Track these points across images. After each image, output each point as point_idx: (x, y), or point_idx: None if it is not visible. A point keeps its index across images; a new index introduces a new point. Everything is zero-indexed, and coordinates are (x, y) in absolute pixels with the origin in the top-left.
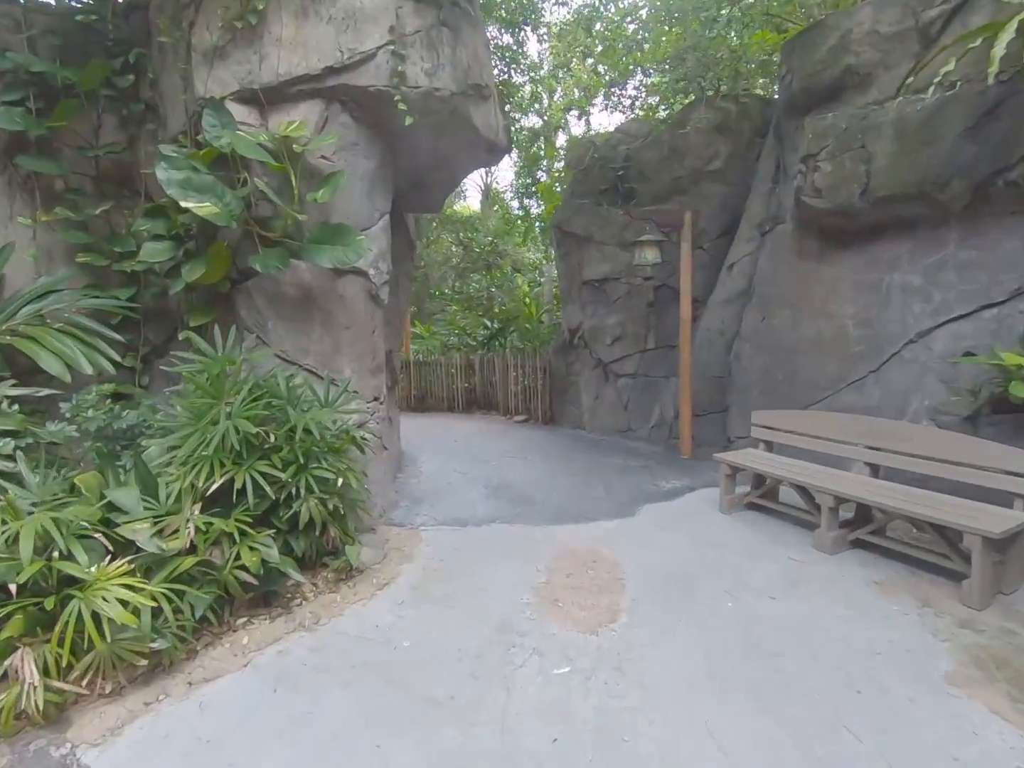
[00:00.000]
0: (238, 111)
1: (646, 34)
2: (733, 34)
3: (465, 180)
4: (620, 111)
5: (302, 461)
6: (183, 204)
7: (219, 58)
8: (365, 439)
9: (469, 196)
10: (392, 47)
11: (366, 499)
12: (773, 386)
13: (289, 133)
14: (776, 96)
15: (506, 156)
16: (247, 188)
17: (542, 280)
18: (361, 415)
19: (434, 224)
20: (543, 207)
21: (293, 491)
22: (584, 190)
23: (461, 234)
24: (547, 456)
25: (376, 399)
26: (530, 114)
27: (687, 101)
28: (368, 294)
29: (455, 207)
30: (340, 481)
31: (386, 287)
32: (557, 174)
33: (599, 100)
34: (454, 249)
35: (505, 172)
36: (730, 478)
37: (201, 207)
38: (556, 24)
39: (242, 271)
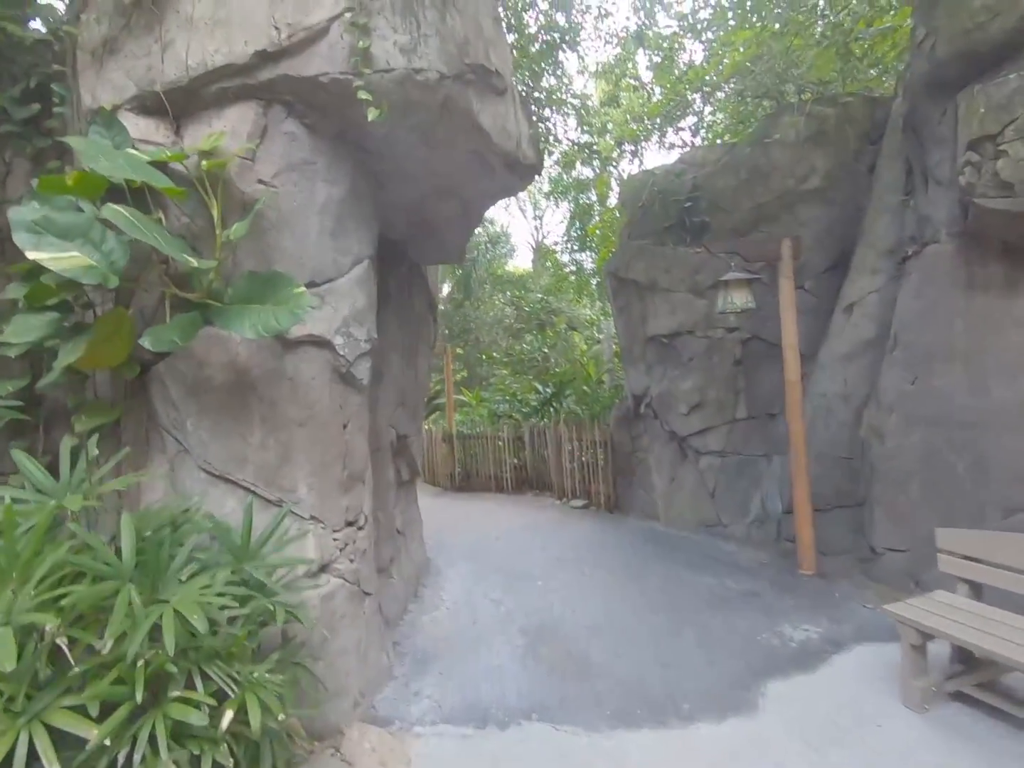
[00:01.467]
0: (141, 125)
1: (709, 41)
2: (825, 22)
3: (516, 238)
4: (679, 147)
5: (140, 699)
6: (31, 255)
7: (109, 53)
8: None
9: (520, 255)
10: (350, 15)
11: (317, 693)
12: (947, 479)
13: (204, 147)
14: (887, 92)
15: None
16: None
17: (600, 337)
18: (316, 560)
19: (486, 286)
20: (597, 257)
21: (120, 759)
22: (643, 230)
23: (509, 292)
24: (611, 568)
25: (352, 524)
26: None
27: (764, 113)
28: (335, 373)
29: (506, 267)
30: (226, 720)
31: (366, 363)
32: (610, 212)
33: (653, 140)
34: (506, 310)
35: (558, 226)
36: (918, 650)
37: (59, 259)
38: (599, 64)
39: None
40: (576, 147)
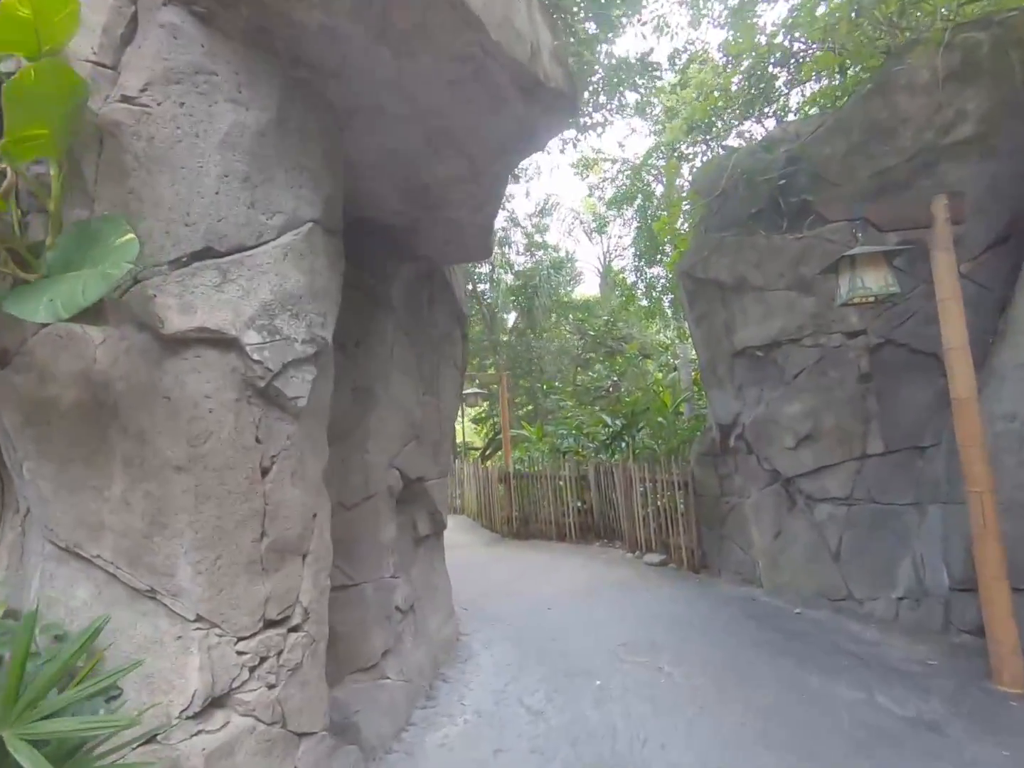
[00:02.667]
0: None
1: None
2: None
3: (581, 264)
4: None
5: None
6: None
7: None
8: None
9: (587, 282)
10: None
11: None
12: None
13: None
14: None
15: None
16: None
17: (676, 363)
18: (198, 693)
19: (553, 316)
20: (668, 262)
21: None
22: (724, 220)
23: (572, 317)
24: (701, 664)
25: (277, 623)
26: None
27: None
28: (245, 389)
29: (572, 295)
30: None
31: (306, 374)
32: (677, 206)
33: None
34: (571, 339)
35: (626, 251)
36: None
37: None
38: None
39: None
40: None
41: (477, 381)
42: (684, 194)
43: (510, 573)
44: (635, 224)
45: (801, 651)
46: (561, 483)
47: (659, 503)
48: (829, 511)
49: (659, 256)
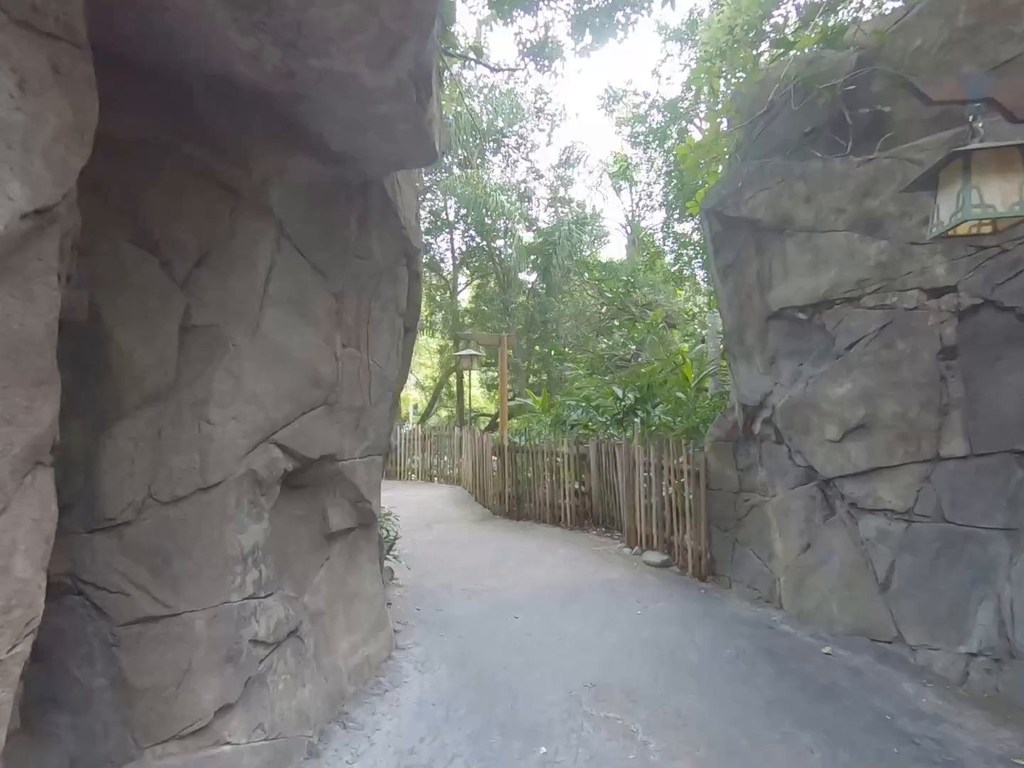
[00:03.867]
0: None
1: None
2: None
3: (609, 223)
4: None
5: None
6: None
7: None
8: None
9: (614, 242)
10: None
11: None
12: None
13: None
14: None
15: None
16: None
17: (704, 333)
18: None
19: (572, 278)
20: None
21: None
22: (767, 145)
23: (587, 275)
24: (693, 734)
25: None
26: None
27: None
28: None
29: (597, 255)
30: None
31: None
32: (715, 119)
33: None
34: (593, 303)
35: (655, 211)
36: None
37: None
38: None
39: None
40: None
41: (473, 342)
42: (723, 126)
43: (489, 559)
44: (665, 169)
45: (832, 724)
46: (559, 460)
47: (664, 493)
48: (880, 526)
49: (690, 212)
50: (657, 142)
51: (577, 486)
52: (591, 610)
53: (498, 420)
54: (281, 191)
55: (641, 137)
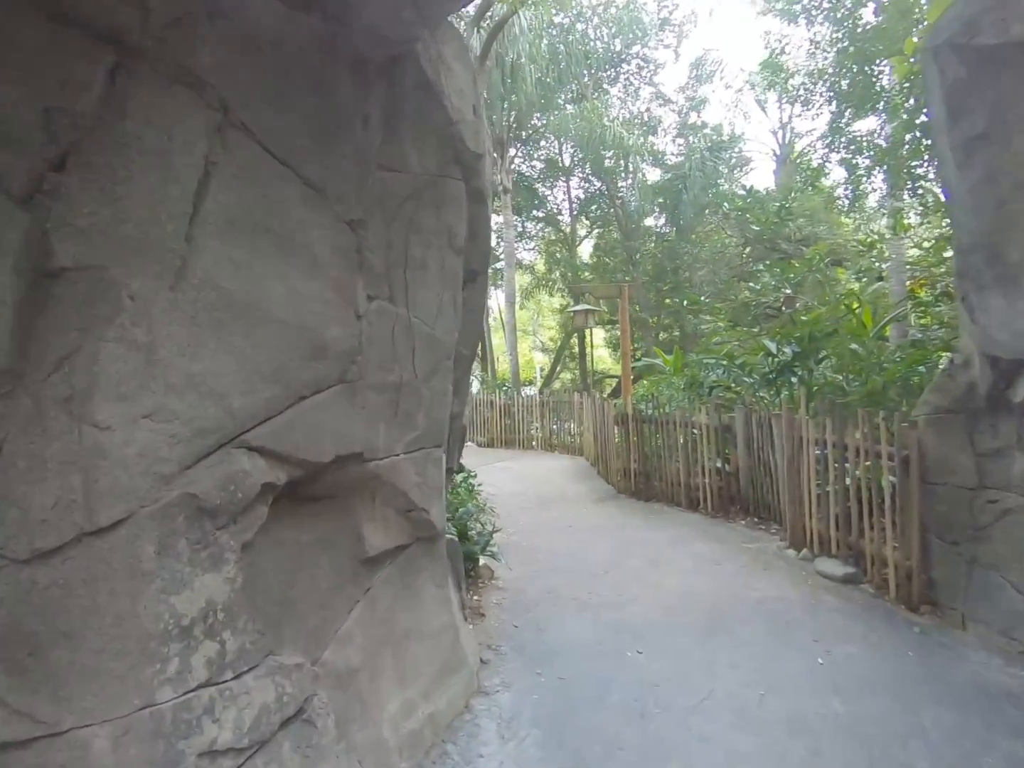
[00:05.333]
0: None
1: None
2: None
3: (752, 147)
4: None
5: None
6: None
7: None
8: None
9: (759, 167)
10: None
11: None
12: None
13: None
14: None
15: None
16: None
17: (885, 267)
18: None
19: (707, 215)
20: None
21: None
22: None
23: (727, 205)
24: None
25: None
26: None
27: None
28: None
29: (736, 186)
30: None
31: None
32: None
33: None
34: (733, 242)
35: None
36: None
37: None
38: None
39: None
40: None
41: (589, 296)
42: None
43: (607, 554)
44: (837, 46)
45: None
46: (696, 432)
47: (849, 482)
48: None
49: (871, 103)
50: (823, 12)
51: (719, 464)
52: (744, 651)
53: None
54: (216, 47)
55: (802, 4)
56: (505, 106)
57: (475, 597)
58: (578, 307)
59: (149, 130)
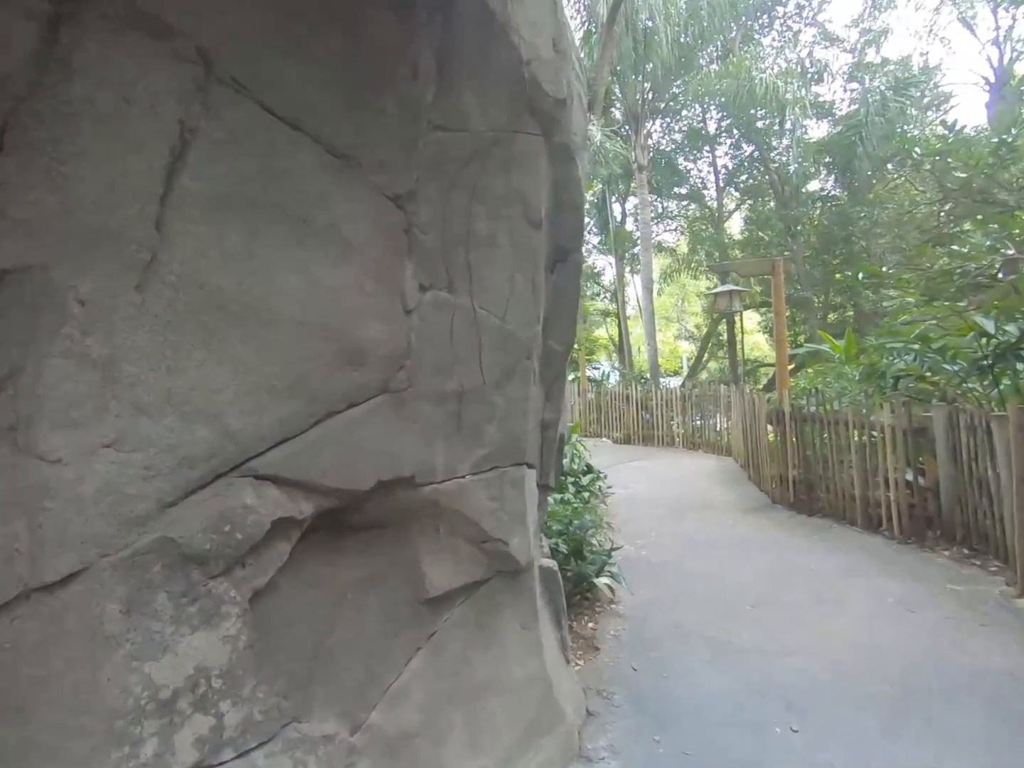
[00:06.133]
0: None
1: None
2: None
3: (953, 79)
4: None
5: None
6: None
7: None
8: None
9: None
10: None
11: None
12: None
13: None
14: None
15: None
16: None
17: None
18: None
19: (890, 171)
20: None
21: None
22: None
23: (921, 150)
24: None
25: None
26: None
27: None
28: None
29: (928, 129)
30: None
31: None
32: None
33: None
34: (926, 198)
35: None
36: None
37: None
38: None
39: None
40: None
41: (733, 275)
42: None
43: (757, 582)
44: None
45: None
46: (876, 435)
47: None
48: None
49: None
50: None
51: (909, 476)
52: (953, 752)
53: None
54: None
55: None
56: (639, 76)
57: (590, 625)
58: (720, 288)
59: (102, 93)
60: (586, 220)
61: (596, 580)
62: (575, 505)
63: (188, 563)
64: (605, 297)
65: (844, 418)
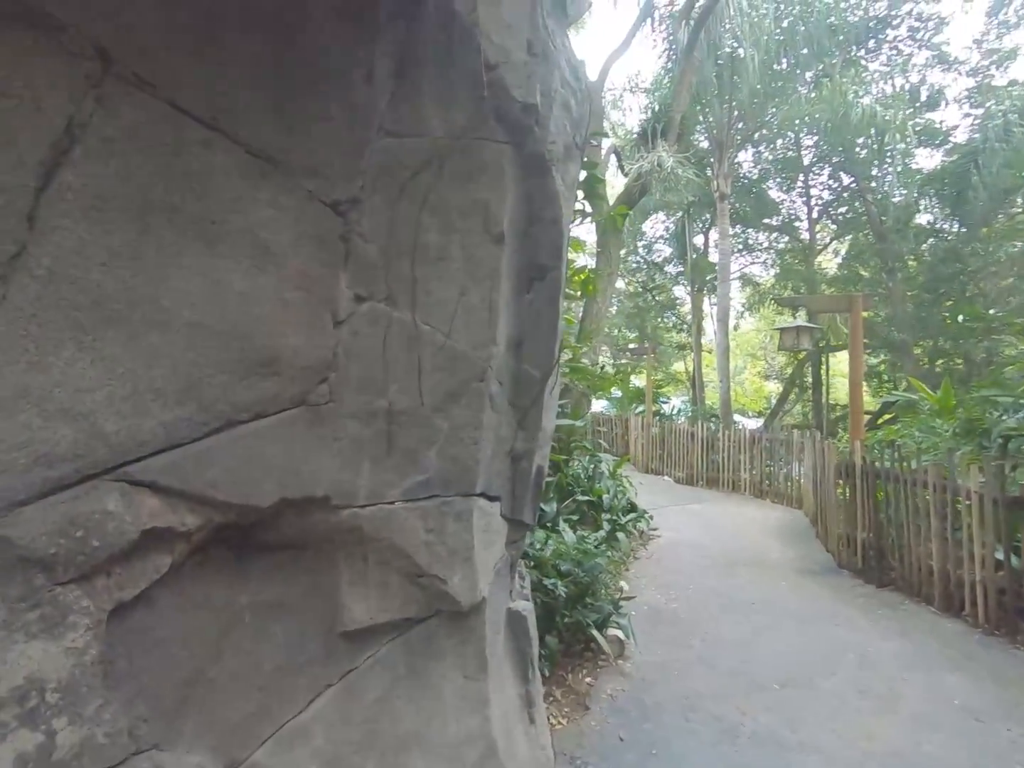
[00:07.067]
0: None
1: None
2: None
3: None
4: None
5: None
6: None
7: None
8: None
9: None
10: None
11: None
12: None
13: None
14: None
15: None
16: None
17: None
18: None
19: (1012, 196)
20: None
21: None
22: None
23: None
24: None
25: None
26: None
27: None
28: None
29: None
30: None
31: None
32: None
33: None
34: None
35: None
36: None
37: None
38: None
39: None
40: None
41: (803, 311)
42: None
43: (793, 657)
44: None
45: None
46: (961, 503)
47: None
48: None
49: None
50: None
51: (999, 554)
52: None
53: (879, 421)
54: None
55: None
56: (724, 103)
57: (587, 680)
58: (787, 324)
59: None
60: (664, 248)
61: (595, 632)
62: (587, 546)
63: (28, 566)
64: (683, 329)
65: (923, 478)
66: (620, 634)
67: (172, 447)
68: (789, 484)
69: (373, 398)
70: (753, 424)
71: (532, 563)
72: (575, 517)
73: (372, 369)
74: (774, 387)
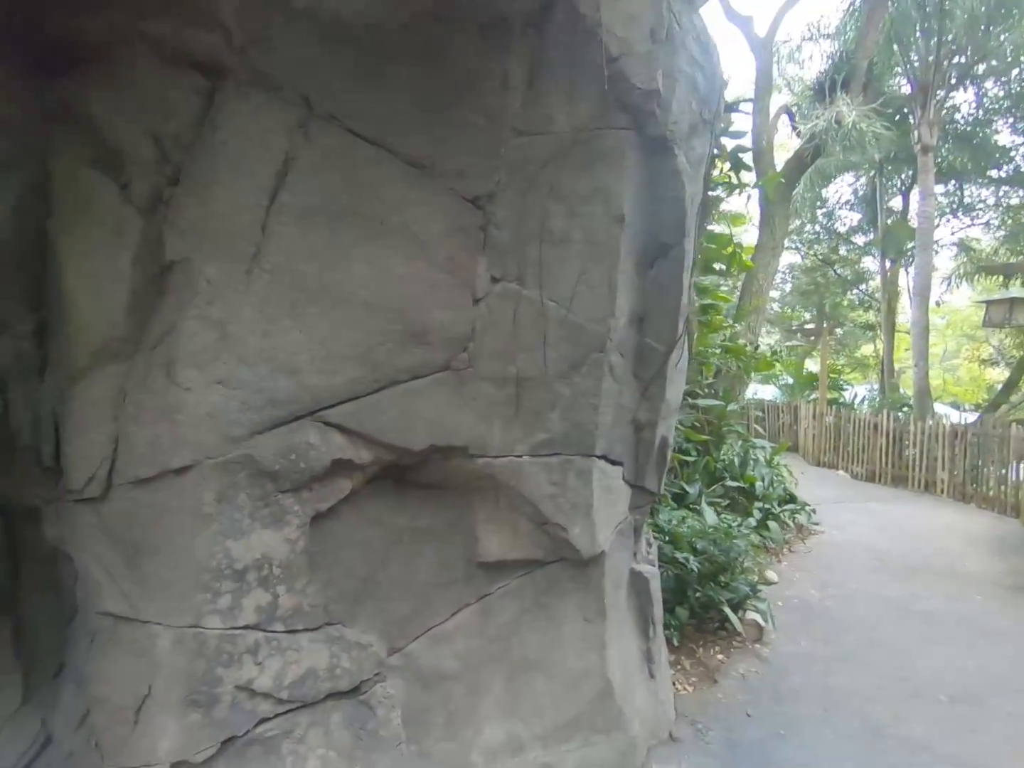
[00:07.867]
0: None
1: None
2: None
3: None
4: None
5: None
6: None
7: None
8: None
9: None
10: None
11: None
12: None
13: None
14: None
15: None
16: None
17: None
18: None
19: None
20: None
21: None
22: None
23: None
24: None
25: None
26: None
27: None
28: None
29: None
30: None
31: None
32: None
33: None
34: None
35: None
36: None
37: None
38: None
39: None
40: None
41: (1019, 280)
42: None
43: (967, 674)
44: None
45: None
46: None
47: None
48: None
49: None
50: None
51: None
52: None
53: None
54: (295, 48)
55: None
56: (930, 38)
57: (718, 656)
58: (995, 296)
59: (233, 137)
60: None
61: (728, 611)
62: (728, 527)
63: (263, 476)
64: (872, 307)
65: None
66: (759, 618)
67: (353, 398)
68: (1003, 488)
69: (504, 365)
70: (971, 418)
71: (667, 538)
72: (723, 502)
73: (504, 340)
74: (999, 375)
